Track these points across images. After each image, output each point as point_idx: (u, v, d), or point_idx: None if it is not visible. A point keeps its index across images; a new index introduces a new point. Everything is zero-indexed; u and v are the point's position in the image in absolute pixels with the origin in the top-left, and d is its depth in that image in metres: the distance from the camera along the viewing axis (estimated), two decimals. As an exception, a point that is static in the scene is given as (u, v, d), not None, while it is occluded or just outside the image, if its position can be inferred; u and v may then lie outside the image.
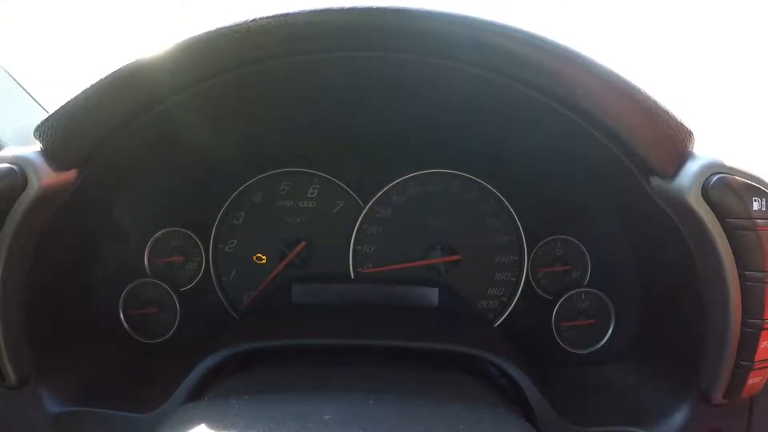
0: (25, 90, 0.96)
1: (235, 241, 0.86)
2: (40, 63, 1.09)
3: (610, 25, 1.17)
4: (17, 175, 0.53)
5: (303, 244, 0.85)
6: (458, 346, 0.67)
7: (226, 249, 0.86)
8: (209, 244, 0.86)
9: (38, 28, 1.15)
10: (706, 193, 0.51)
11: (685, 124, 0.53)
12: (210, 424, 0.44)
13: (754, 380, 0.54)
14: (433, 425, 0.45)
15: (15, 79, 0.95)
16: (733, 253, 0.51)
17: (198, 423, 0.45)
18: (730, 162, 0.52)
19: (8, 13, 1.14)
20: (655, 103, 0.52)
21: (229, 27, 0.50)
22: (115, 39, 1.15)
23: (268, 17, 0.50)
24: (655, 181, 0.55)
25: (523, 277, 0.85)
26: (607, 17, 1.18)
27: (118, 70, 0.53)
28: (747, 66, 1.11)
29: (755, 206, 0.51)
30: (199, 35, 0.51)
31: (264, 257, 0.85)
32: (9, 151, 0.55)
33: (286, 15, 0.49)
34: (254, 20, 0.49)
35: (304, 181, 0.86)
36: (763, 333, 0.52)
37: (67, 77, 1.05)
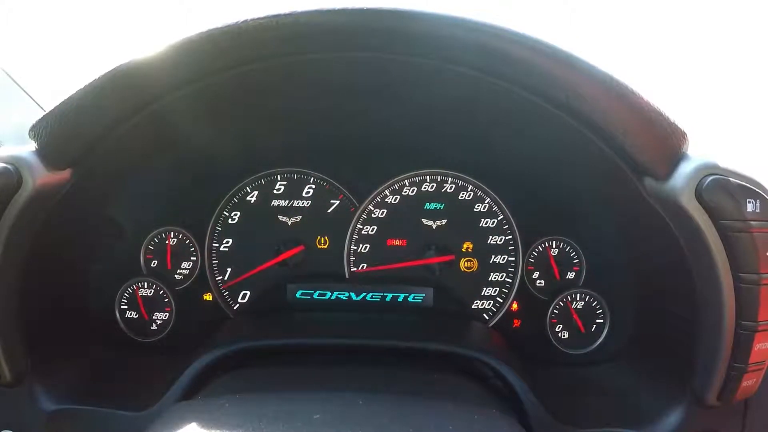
0: (23, 89, 0.96)
1: (231, 241, 0.87)
2: (39, 62, 1.10)
3: (608, 25, 1.17)
4: (12, 175, 0.53)
5: (301, 247, 0.84)
6: (452, 346, 0.67)
7: (222, 248, 0.86)
8: (204, 243, 0.86)
9: (37, 28, 1.16)
10: (699, 194, 0.50)
11: (679, 126, 0.53)
12: (201, 423, 0.44)
13: (748, 382, 0.54)
14: (422, 425, 0.45)
15: (13, 78, 0.96)
16: (727, 255, 0.51)
17: (190, 421, 0.45)
18: (724, 163, 0.52)
19: (7, 12, 1.14)
20: (648, 104, 0.52)
21: (221, 28, 0.51)
22: (114, 38, 1.16)
23: (260, 18, 0.50)
24: (649, 182, 0.55)
25: (518, 277, 0.84)
26: (605, 17, 1.17)
27: (111, 70, 0.53)
28: (742, 67, 1.10)
29: (749, 208, 0.50)
30: (191, 36, 0.51)
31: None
32: (4, 151, 0.55)
33: (278, 16, 0.49)
34: (246, 21, 0.49)
35: (299, 181, 0.86)
36: (758, 335, 0.51)
37: (65, 76, 1.05)
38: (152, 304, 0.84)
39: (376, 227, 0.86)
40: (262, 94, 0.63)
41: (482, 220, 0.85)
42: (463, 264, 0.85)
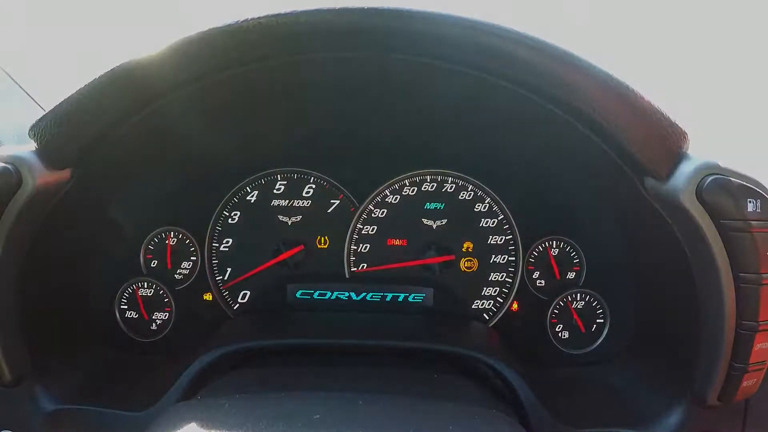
0: (23, 89, 0.96)
1: (231, 240, 0.87)
2: (39, 62, 1.10)
3: (608, 26, 1.17)
4: (12, 174, 0.53)
5: (301, 247, 0.84)
6: (452, 346, 0.67)
7: (222, 248, 0.86)
8: (204, 243, 0.86)
9: (37, 28, 1.16)
10: (700, 194, 0.50)
11: (680, 125, 0.53)
12: (201, 423, 0.44)
13: (748, 382, 0.54)
14: (422, 425, 0.45)
15: (13, 78, 0.96)
16: (728, 255, 0.51)
17: (189, 422, 0.45)
18: (724, 163, 0.52)
19: (8, 12, 1.15)
20: (649, 104, 0.52)
21: (221, 27, 0.51)
22: (114, 38, 1.16)
23: (260, 17, 0.50)
24: (650, 182, 0.55)
25: (518, 277, 0.84)
26: (605, 17, 1.17)
27: (111, 69, 0.53)
28: (743, 67, 1.10)
29: (750, 207, 0.50)
30: (191, 35, 0.51)
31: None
32: (4, 151, 0.55)
33: (278, 15, 0.49)
34: (246, 20, 0.49)
35: (299, 181, 0.86)
36: (758, 335, 0.51)
37: (65, 76, 1.05)
38: (152, 304, 0.84)
39: (376, 227, 0.86)
40: (262, 94, 0.63)
41: (482, 219, 0.85)
42: (463, 264, 0.85)
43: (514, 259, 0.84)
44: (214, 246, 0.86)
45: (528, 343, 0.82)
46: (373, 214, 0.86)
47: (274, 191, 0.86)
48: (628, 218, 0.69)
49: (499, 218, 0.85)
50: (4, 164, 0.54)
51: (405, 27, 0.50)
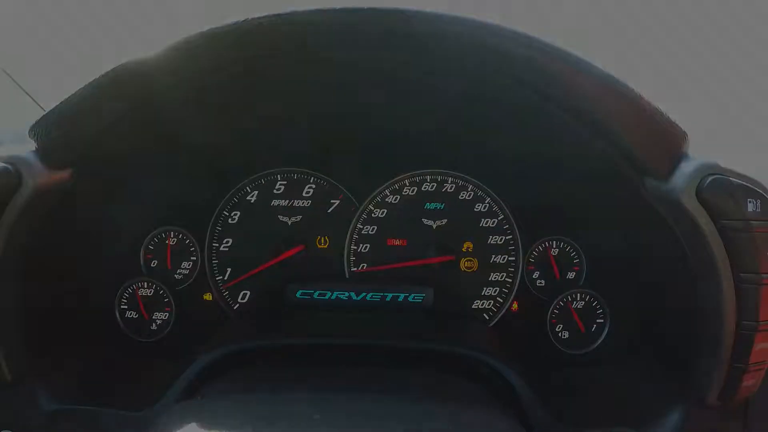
0: (23, 89, 0.97)
1: (231, 240, 0.87)
2: (39, 62, 1.10)
3: (606, 26, 1.17)
4: (12, 175, 0.53)
5: (301, 247, 0.85)
6: (451, 346, 0.67)
7: (222, 248, 0.86)
8: (204, 243, 0.86)
9: (37, 28, 1.16)
10: (700, 194, 0.50)
11: (680, 125, 0.53)
12: (201, 423, 0.44)
13: (748, 382, 0.53)
14: (422, 426, 0.45)
15: (13, 78, 0.96)
16: (728, 255, 0.51)
17: (189, 422, 0.45)
18: (724, 163, 0.52)
19: (8, 12, 1.15)
20: (649, 104, 0.52)
21: (220, 27, 0.51)
22: (114, 38, 1.16)
23: (259, 18, 0.50)
24: (650, 182, 0.55)
25: (518, 277, 0.84)
26: (603, 17, 1.17)
27: (111, 70, 0.53)
28: (743, 66, 1.10)
29: (750, 207, 0.50)
30: (191, 35, 0.51)
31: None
32: (4, 151, 0.55)
33: (278, 16, 0.49)
34: (246, 21, 0.49)
35: (299, 181, 0.87)
36: (758, 335, 0.51)
37: (65, 76, 1.05)
38: (152, 304, 0.84)
39: (376, 227, 0.86)
40: (262, 94, 0.64)
41: (482, 219, 0.85)
42: (463, 264, 0.85)
43: (514, 259, 0.85)
44: (214, 246, 0.86)
45: (528, 343, 0.82)
46: (373, 214, 0.86)
47: (274, 191, 0.86)
48: (628, 218, 0.69)
49: (499, 218, 0.85)
50: (4, 164, 0.54)
51: (405, 27, 0.50)
